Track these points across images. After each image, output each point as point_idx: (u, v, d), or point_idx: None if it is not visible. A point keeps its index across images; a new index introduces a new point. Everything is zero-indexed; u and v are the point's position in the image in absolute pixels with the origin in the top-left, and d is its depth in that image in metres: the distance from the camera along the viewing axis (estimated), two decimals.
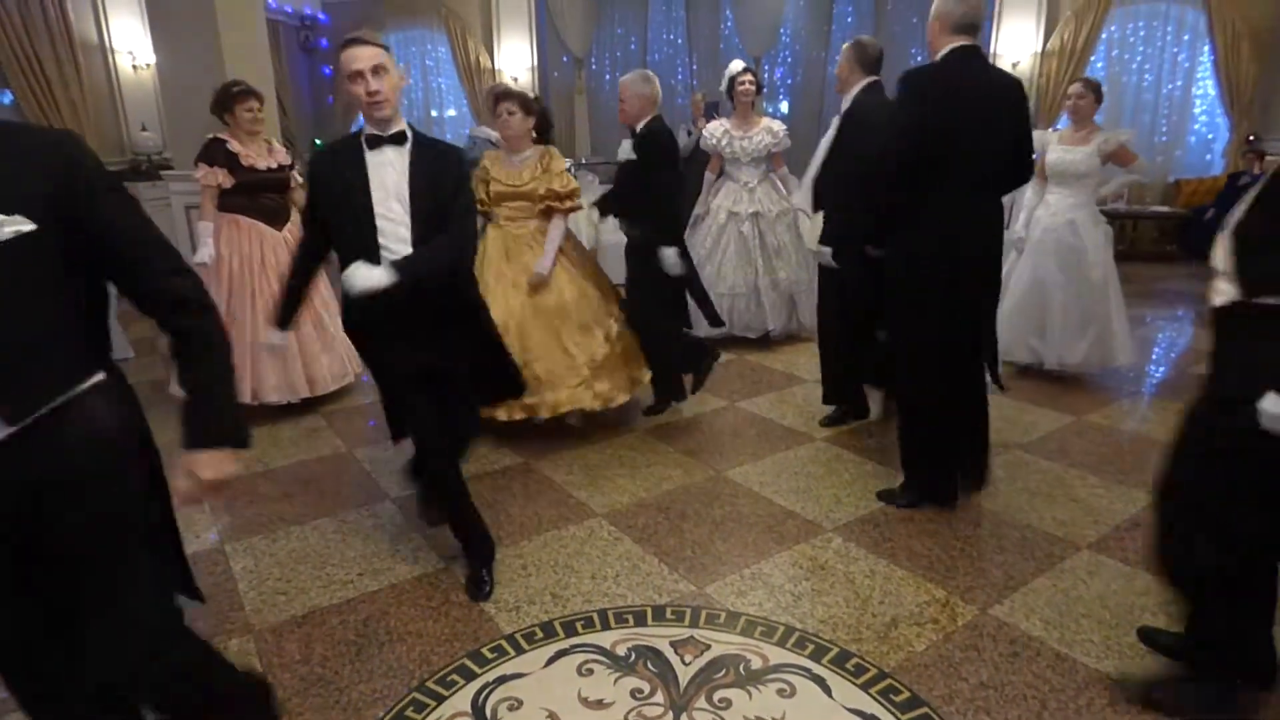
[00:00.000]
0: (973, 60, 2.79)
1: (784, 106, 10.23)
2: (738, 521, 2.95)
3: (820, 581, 2.55)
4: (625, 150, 3.78)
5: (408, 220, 2.28)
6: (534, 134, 3.54)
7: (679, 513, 3.02)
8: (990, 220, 2.86)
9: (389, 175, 2.28)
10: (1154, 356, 5.13)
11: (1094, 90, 4.19)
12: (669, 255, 3.58)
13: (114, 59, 7.66)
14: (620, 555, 2.72)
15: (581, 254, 3.87)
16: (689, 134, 7.23)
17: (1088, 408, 3.99)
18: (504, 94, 3.51)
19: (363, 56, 2.18)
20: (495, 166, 3.59)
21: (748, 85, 4.90)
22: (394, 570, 2.64)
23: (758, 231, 5.02)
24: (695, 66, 10.21)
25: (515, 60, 9.72)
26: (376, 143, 2.28)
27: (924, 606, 2.42)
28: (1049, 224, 4.28)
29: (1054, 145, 4.27)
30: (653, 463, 3.46)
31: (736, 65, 5.03)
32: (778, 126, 5.00)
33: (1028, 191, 4.33)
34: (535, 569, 2.65)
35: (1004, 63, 8.63)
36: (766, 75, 9.97)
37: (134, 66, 7.83)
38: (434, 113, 10.60)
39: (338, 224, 2.32)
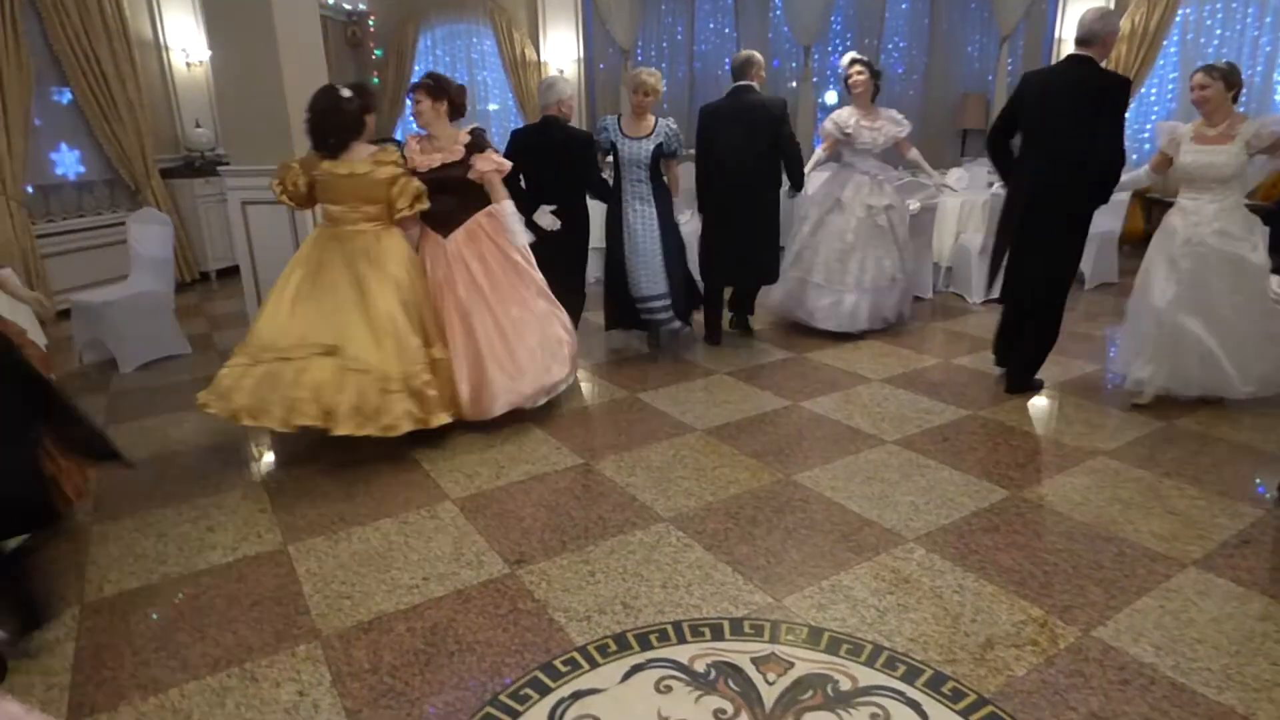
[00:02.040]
0: (1075, 64, 3.74)
1: (830, 97, 9.99)
2: (811, 529, 2.82)
3: (905, 596, 2.42)
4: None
5: None
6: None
7: (749, 519, 2.90)
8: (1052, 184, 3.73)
9: None
10: None
11: (1222, 76, 3.57)
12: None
13: (168, 56, 7.74)
14: (691, 563, 2.61)
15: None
16: None
17: (1176, 412, 3.77)
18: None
19: None
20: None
21: (855, 76, 4.83)
22: (458, 575, 2.57)
23: (891, 224, 5.03)
24: None
25: (561, 53, 9.63)
26: None
27: (1020, 626, 2.26)
28: (1191, 235, 3.68)
29: (1187, 144, 3.69)
30: (717, 465, 3.34)
31: (846, 58, 5.06)
32: (899, 115, 5.04)
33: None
34: (604, 576, 2.55)
35: (1068, 48, 8.29)
36: (817, 64, 9.74)
37: (187, 64, 7.91)
38: (479, 106, 10.57)
39: None
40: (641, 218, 4.62)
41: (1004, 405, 3.94)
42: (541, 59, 9.73)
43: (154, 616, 2.40)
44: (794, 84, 10.08)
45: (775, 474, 3.25)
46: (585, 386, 4.38)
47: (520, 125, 10.20)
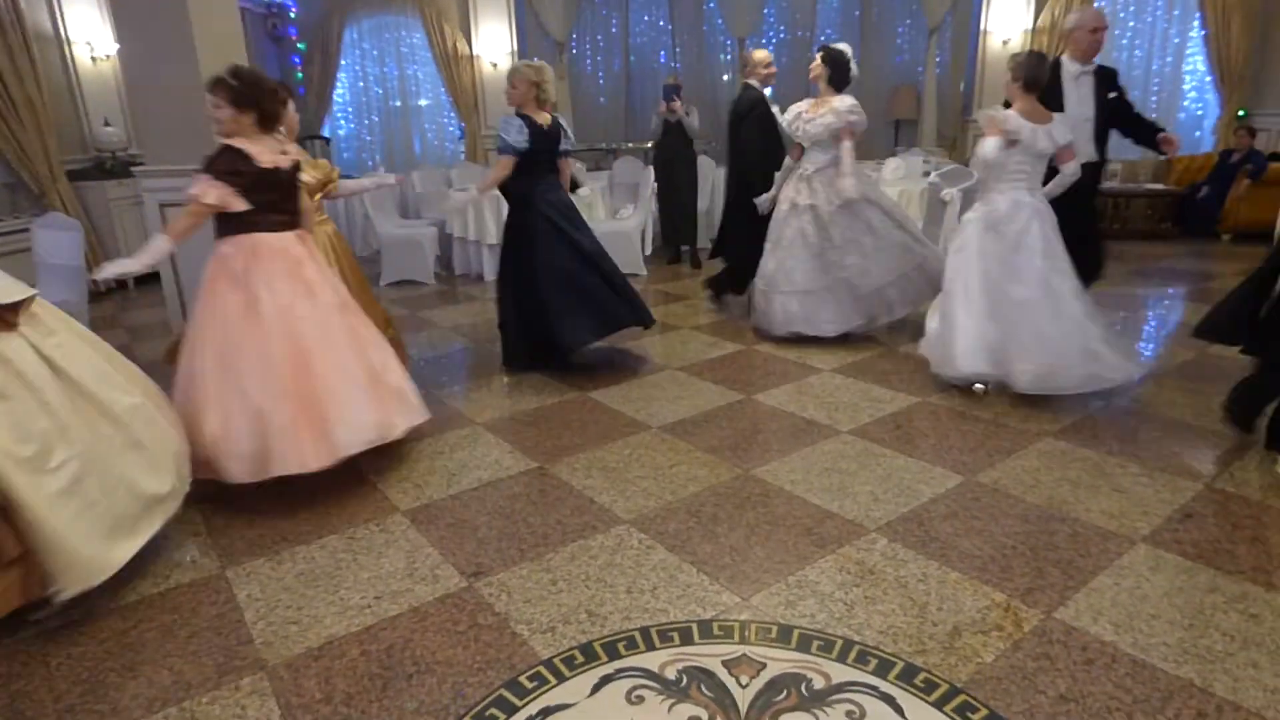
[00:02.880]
0: None
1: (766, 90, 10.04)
2: (774, 524, 2.79)
3: (872, 588, 2.41)
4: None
5: None
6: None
7: (710, 516, 2.85)
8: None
9: None
10: (1151, 335, 5.05)
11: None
12: None
13: (71, 50, 7.26)
14: (655, 565, 2.55)
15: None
16: (658, 116, 7.04)
17: (1110, 391, 3.88)
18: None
19: None
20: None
21: (812, 68, 4.78)
22: (413, 592, 2.45)
23: (825, 221, 4.64)
24: (679, 49, 10.00)
25: (494, 45, 9.44)
26: None
27: (985, 612, 2.28)
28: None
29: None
30: (675, 463, 3.29)
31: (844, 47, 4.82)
32: (846, 105, 4.59)
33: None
34: (566, 584, 2.47)
35: (994, 40, 8.53)
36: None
37: (93, 58, 7.45)
38: (398, 102, 10.27)
39: None
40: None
41: (951, 392, 4.00)
42: (474, 52, 9.52)
43: (78, 656, 2.21)
44: (726, 77, 10.11)
45: (734, 469, 3.22)
46: (534, 387, 4.28)
47: (455, 121, 9.99)
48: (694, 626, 2.24)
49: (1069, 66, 4.31)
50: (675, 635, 2.21)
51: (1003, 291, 3.71)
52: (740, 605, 2.34)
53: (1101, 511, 2.81)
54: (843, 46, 4.77)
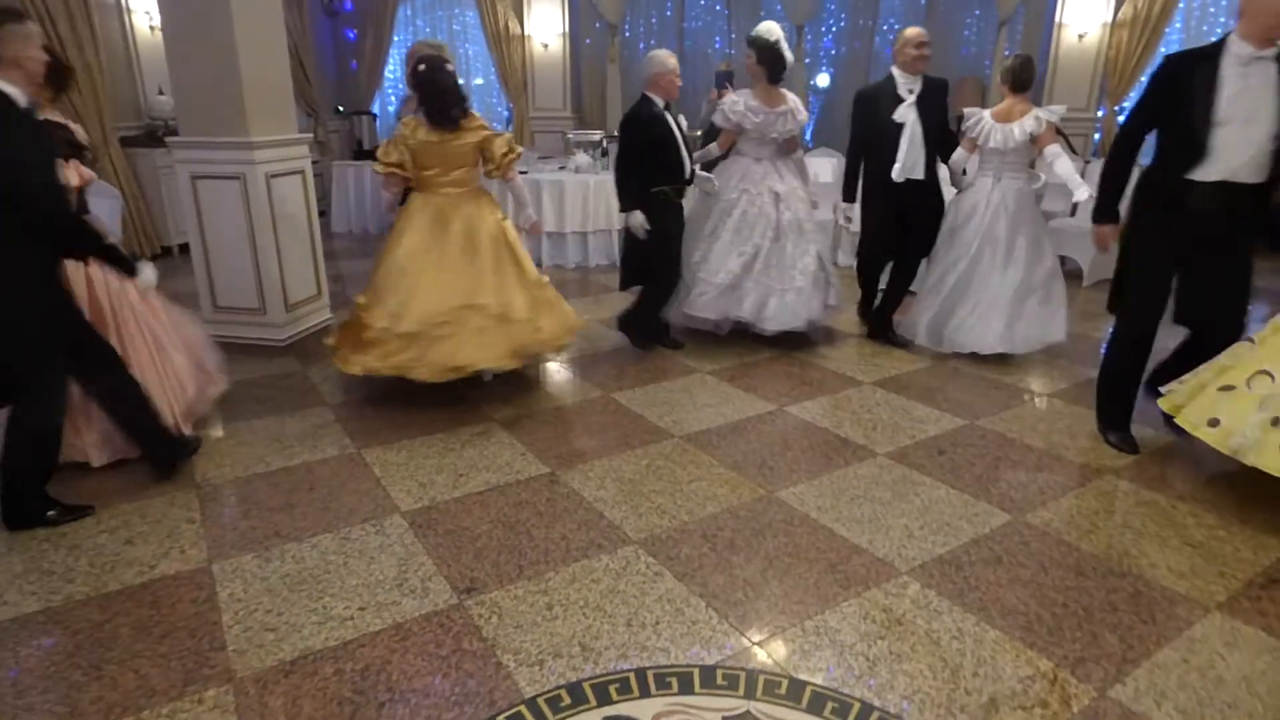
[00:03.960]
0: None
1: (823, 80, 9.66)
2: (795, 556, 2.55)
3: (898, 641, 2.16)
4: None
5: None
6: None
7: (726, 542, 2.63)
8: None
9: None
10: None
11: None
12: None
13: (130, 19, 7.31)
14: (660, 595, 2.34)
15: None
16: (709, 104, 6.76)
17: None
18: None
19: None
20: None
21: (748, 61, 4.49)
22: (399, 605, 2.29)
23: (775, 212, 4.48)
24: (734, 34, 9.66)
25: (546, 26, 9.26)
26: None
27: (1028, 683, 2.01)
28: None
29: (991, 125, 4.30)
30: (694, 477, 3.07)
31: (762, 28, 4.48)
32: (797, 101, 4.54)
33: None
34: (562, 609, 2.27)
35: (1069, 33, 8.03)
36: (810, 45, 9.40)
37: (151, 27, 7.47)
38: (461, 81, 10.18)
39: None
40: None
41: (1002, 414, 3.69)
42: (526, 32, 9.35)
43: (48, 649, 2.10)
44: None
45: (757, 489, 2.99)
46: (557, 383, 4.09)
47: (503, 102, 9.84)
48: (695, 672, 2.02)
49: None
50: (674, 681, 2.00)
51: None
52: (749, 651, 2.12)
53: (1169, 569, 2.51)
54: (769, 29, 4.40)
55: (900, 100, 4.30)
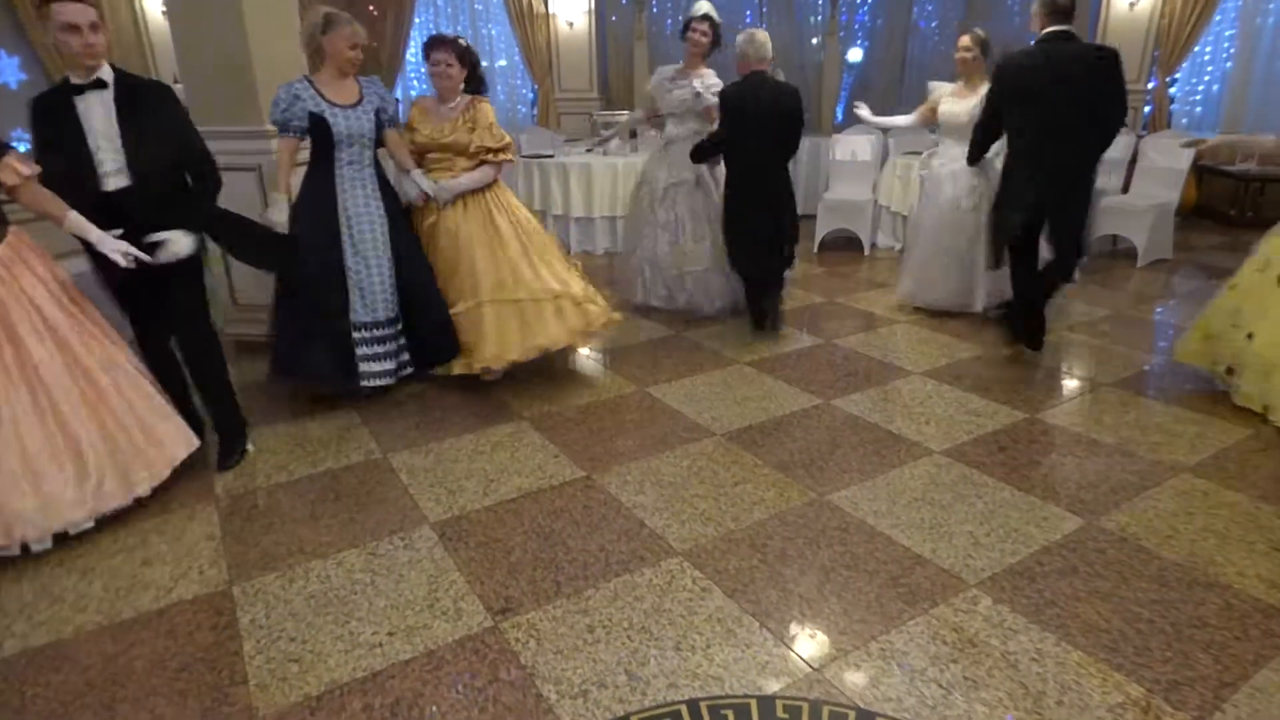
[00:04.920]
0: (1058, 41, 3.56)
1: (855, 54, 9.30)
2: (853, 568, 2.37)
3: (973, 665, 1.97)
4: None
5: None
6: (462, 85, 3.67)
7: (778, 553, 2.45)
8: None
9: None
10: None
11: (981, 43, 4.32)
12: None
13: (141, 4, 7.19)
14: (710, 615, 2.18)
15: (525, 217, 3.86)
16: None
17: (1258, 419, 3.27)
18: (437, 43, 3.61)
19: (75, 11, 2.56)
20: (422, 118, 3.70)
21: (699, 37, 4.36)
22: (430, 629, 2.14)
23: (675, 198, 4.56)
24: (765, 8, 9.33)
25: (571, 3, 8.99)
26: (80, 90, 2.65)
27: (1119, 712, 1.82)
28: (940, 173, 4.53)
29: (948, 99, 4.47)
30: (739, 480, 2.89)
31: (699, 7, 4.41)
32: (711, 80, 4.46)
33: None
34: (604, 632, 2.12)
35: (1119, 3, 7.60)
36: (845, 18, 9.05)
37: (163, 12, 7.35)
38: (484, 62, 9.96)
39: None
40: (368, 213, 3.45)
41: (1064, 406, 3.46)
42: (550, 10, 9.10)
43: (57, 686, 1.99)
44: (815, 40, 9.41)
45: (806, 493, 2.80)
46: (588, 378, 3.93)
47: (528, 84, 9.62)
48: (753, 704, 1.86)
49: None
50: (730, 714, 1.83)
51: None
52: (810, 678, 1.95)
53: (1259, 578, 2.29)
54: (699, 5, 4.38)
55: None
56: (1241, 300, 3.37)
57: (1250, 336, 3.28)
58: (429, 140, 3.65)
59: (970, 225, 4.41)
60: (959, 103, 4.42)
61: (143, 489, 2.68)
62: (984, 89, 4.02)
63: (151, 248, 2.70)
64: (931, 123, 4.68)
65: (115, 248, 2.60)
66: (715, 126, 4.31)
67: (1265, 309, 3.25)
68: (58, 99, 2.67)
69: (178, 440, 2.82)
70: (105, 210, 2.66)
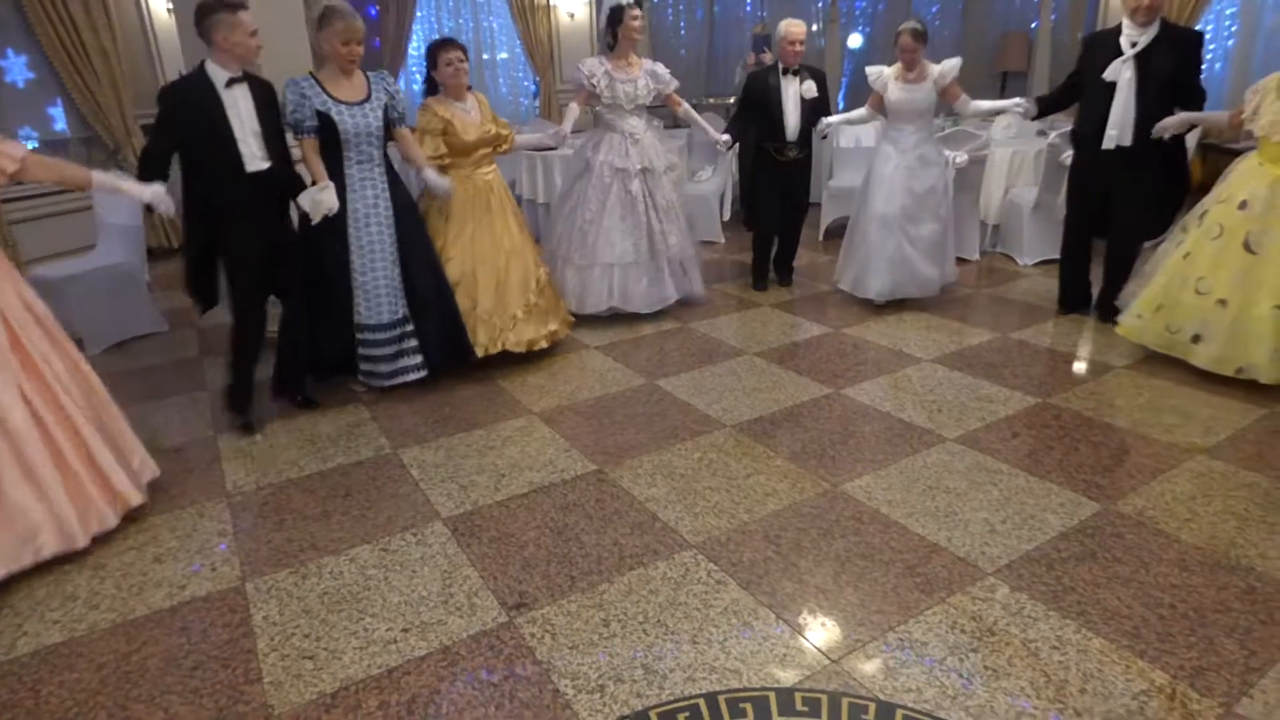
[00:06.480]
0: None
1: (854, 40, 9.24)
2: (868, 559, 2.35)
3: (993, 654, 1.95)
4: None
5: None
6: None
7: (792, 544, 2.44)
8: None
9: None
10: None
11: (922, 36, 4.28)
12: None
13: (147, 2, 7.15)
14: (725, 608, 2.16)
15: (514, 205, 4.01)
16: (743, 69, 6.47)
17: (1274, 397, 3.24)
18: (449, 43, 3.73)
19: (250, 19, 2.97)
20: (460, 120, 3.71)
21: (636, 24, 4.30)
22: (445, 625, 2.13)
23: (647, 190, 4.42)
24: None
25: None
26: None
27: (1143, 700, 1.80)
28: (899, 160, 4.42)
29: (893, 84, 4.38)
30: (751, 471, 2.87)
31: None
32: (661, 69, 4.50)
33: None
34: (620, 626, 2.10)
35: None
36: (845, 4, 8.99)
37: (169, 9, 7.32)
38: (485, 55, 9.89)
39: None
40: (375, 213, 3.42)
41: (1076, 390, 3.43)
42: (551, 2, 9.04)
43: (71, 684, 1.98)
44: (816, 26, 9.34)
45: (819, 483, 2.78)
46: (597, 370, 3.90)
47: (529, 76, 9.56)
48: (771, 697, 1.84)
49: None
50: (749, 708, 1.82)
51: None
52: (828, 669, 1.93)
53: None
54: None
55: (1119, 54, 3.77)
56: (1200, 269, 3.40)
57: (1223, 303, 3.32)
58: (480, 138, 3.76)
59: (930, 209, 4.40)
60: (915, 89, 4.30)
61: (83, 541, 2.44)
62: (932, 73, 4.27)
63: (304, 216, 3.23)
64: (883, 111, 4.51)
65: (156, 194, 2.80)
66: (683, 109, 4.64)
67: (1238, 276, 3.29)
68: (204, 91, 2.94)
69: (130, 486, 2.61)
70: (249, 190, 3.04)
